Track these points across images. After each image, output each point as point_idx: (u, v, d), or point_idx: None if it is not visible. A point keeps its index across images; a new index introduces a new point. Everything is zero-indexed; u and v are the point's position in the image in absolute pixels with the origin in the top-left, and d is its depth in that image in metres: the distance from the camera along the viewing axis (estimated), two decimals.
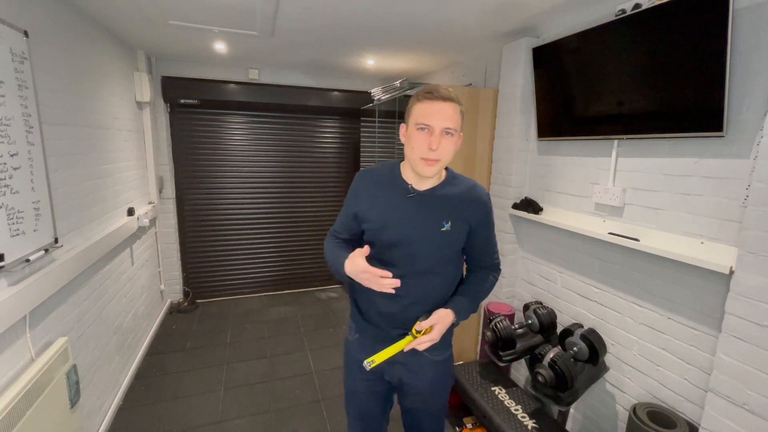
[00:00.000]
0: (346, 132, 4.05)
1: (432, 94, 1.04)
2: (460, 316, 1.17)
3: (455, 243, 1.17)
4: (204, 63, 3.37)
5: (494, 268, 1.28)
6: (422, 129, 1.04)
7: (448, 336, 1.25)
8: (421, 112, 1.04)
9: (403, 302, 1.15)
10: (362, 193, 1.20)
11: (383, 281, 1.01)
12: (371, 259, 1.11)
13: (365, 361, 1.08)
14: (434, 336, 1.10)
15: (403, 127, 1.13)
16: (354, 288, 1.22)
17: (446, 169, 1.18)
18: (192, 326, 3.32)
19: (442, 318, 1.12)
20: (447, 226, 1.13)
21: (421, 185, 1.13)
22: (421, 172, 1.08)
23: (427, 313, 1.13)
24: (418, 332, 1.10)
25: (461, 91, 2.54)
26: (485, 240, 1.22)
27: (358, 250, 1.07)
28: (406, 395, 1.29)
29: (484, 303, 2.38)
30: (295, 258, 4.13)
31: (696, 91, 1.43)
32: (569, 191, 2.11)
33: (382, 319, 1.20)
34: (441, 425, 1.38)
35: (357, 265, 1.05)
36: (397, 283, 1.02)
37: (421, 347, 1.10)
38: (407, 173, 1.15)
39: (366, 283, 1.05)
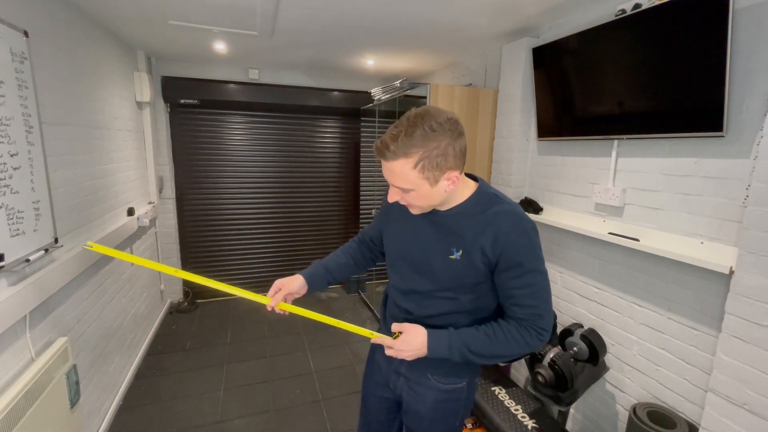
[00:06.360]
0: (346, 132, 4.05)
1: (376, 154, 0.89)
2: (434, 346, 0.95)
3: (472, 275, 0.95)
4: (204, 63, 3.37)
5: (528, 326, 0.93)
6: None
7: (460, 366, 1.04)
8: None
9: (411, 318, 1.06)
10: None
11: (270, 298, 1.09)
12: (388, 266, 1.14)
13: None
14: (395, 345, 0.97)
15: None
16: (387, 291, 1.20)
17: (478, 181, 1.01)
18: (192, 326, 3.31)
19: (411, 329, 0.97)
20: (457, 255, 0.94)
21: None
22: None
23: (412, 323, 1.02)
24: (393, 333, 1.01)
25: (461, 91, 2.54)
26: (510, 284, 0.93)
27: (294, 286, 1.13)
28: (406, 413, 1.18)
29: None
30: (295, 258, 4.13)
31: (696, 91, 1.43)
32: (569, 191, 2.11)
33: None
34: None
35: (282, 281, 1.13)
36: (267, 305, 1.10)
37: (387, 350, 1.00)
38: None
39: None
